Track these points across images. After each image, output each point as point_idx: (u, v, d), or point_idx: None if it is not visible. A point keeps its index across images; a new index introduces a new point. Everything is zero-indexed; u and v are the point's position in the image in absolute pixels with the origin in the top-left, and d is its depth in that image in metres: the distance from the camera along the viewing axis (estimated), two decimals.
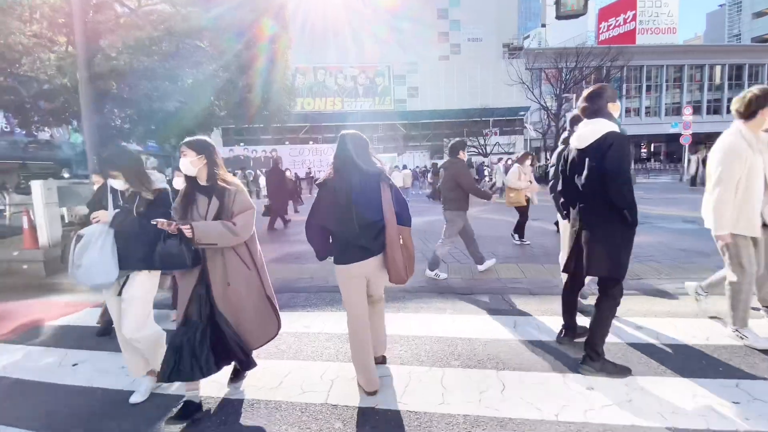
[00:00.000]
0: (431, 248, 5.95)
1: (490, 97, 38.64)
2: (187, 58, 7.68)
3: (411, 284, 4.39)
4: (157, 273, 2.46)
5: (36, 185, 5.77)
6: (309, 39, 44.61)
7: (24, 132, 24.70)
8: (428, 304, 3.98)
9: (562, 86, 31.26)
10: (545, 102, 31.52)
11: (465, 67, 43.72)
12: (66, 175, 17.11)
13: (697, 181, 16.47)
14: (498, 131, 33.84)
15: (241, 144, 36.84)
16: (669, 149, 47.42)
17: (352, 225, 2.21)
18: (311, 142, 36.20)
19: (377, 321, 2.59)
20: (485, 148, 33.23)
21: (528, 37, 59.47)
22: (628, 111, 46.40)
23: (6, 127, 22.54)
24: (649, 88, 46.54)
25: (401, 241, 2.36)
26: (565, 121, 29.32)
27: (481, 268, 4.94)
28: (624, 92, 40.98)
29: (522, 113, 36.90)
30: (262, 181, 22.52)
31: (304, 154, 31.86)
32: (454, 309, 3.80)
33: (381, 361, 2.70)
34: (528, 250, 6.09)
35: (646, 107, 46.93)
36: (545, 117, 34.19)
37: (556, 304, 3.17)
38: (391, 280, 2.37)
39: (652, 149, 50.22)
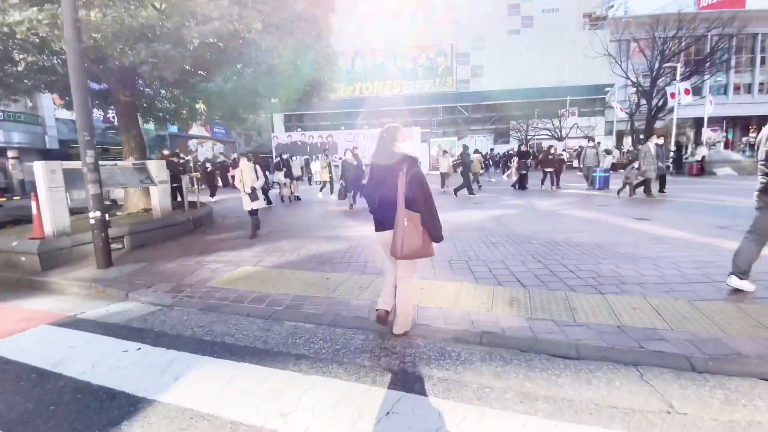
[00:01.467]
0: (493, 255, 4.44)
1: (566, 74, 34.35)
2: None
3: (484, 325, 2.92)
4: None
5: (38, 167, 5.18)
6: (368, 19, 43.31)
7: (101, 118, 26.54)
8: (502, 378, 2.46)
9: (659, 58, 26.43)
10: (635, 77, 26.99)
11: (538, 42, 39.38)
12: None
13: None
14: (576, 111, 29.85)
15: (299, 129, 37.05)
16: None
17: (375, 201, 2.76)
18: (365, 127, 35.23)
19: (398, 296, 2.83)
20: (560, 131, 29.59)
21: (612, 6, 52.54)
22: (737, 87, 39.09)
23: (145, 122, 24.72)
24: (764, 60, 38.68)
25: (405, 222, 2.54)
26: (662, 98, 24.96)
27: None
28: (733, 65, 34.24)
29: (607, 89, 32.30)
30: (315, 166, 22.07)
31: (359, 138, 30.98)
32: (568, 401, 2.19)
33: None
34: None
35: (760, 83, 39.08)
36: (633, 95, 29.53)
37: None
38: (390, 252, 2.66)
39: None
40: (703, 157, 16.83)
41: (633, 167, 10.33)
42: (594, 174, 12.38)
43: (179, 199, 8.95)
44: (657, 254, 4.60)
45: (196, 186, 8.54)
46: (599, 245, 5.12)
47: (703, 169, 16.88)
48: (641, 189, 10.12)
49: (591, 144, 13.10)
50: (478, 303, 3.31)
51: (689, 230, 5.85)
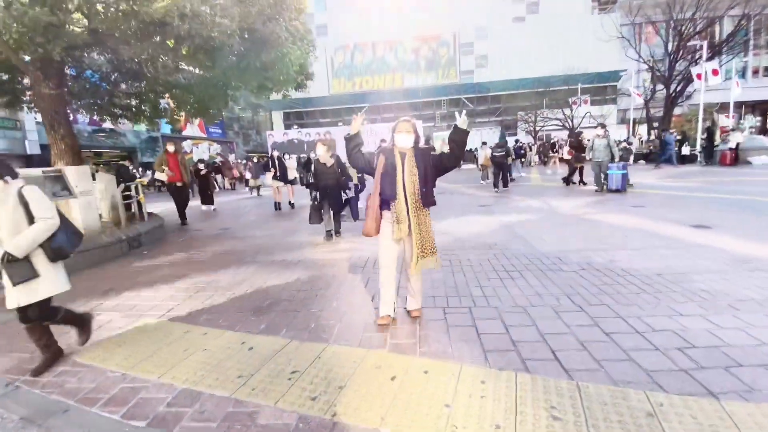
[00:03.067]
0: (509, 295, 2.88)
1: (576, 61, 32.35)
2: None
3: None
4: None
5: None
6: (367, 12, 41.62)
7: (87, 120, 25.37)
8: None
9: (677, 40, 24.42)
10: (652, 61, 25.02)
11: (544, 29, 37.45)
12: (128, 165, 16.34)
13: None
14: (588, 99, 27.92)
15: (295, 126, 35.65)
16: None
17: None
18: (365, 122, 33.62)
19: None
20: (572, 121, 27.70)
21: None
22: (755, 72, 36.88)
23: (100, 120, 23.28)
24: None
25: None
26: (681, 82, 22.99)
27: None
28: (750, 47, 32.08)
29: (622, 73, 30.26)
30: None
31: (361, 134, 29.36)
32: None
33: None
34: None
35: None
36: (647, 81, 27.54)
37: None
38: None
39: None
40: (738, 144, 14.99)
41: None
42: (609, 171, 9.57)
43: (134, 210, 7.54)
44: (764, 294, 3.02)
45: (141, 195, 7.06)
46: (664, 275, 3.54)
47: (737, 157, 15.05)
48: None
49: (601, 133, 9.95)
50: (490, 426, 1.77)
51: None
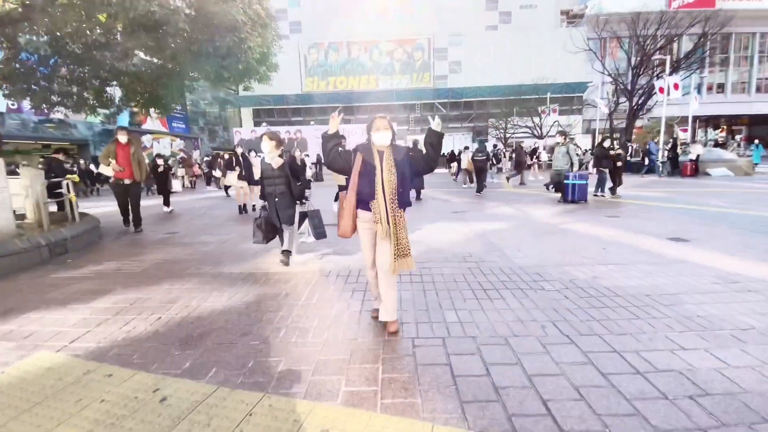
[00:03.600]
0: (488, 320, 2.39)
1: (546, 71, 33.15)
2: None
3: None
4: None
5: None
6: (342, 12, 41.02)
7: (32, 110, 23.30)
8: None
9: (640, 55, 25.48)
10: (616, 74, 25.93)
11: (516, 38, 38.22)
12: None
13: None
14: (557, 109, 28.58)
15: (264, 124, 34.43)
16: (751, 133, 39.53)
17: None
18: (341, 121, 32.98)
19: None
20: (540, 129, 28.25)
21: (586, 8, 52.38)
22: (710, 88, 39.39)
23: (12, 104, 21.12)
24: (738, 60, 39.15)
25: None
26: (643, 95, 23.95)
27: None
28: (706, 65, 34.14)
29: (589, 84, 31.22)
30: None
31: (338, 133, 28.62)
32: None
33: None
34: None
35: (733, 82, 39.52)
36: (612, 93, 28.60)
37: None
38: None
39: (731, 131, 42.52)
40: (698, 156, 15.59)
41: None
42: (566, 180, 9.06)
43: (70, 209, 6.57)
44: (765, 321, 2.74)
45: (72, 193, 6.15)
46: (652, 297, 3.22)
47: (697, 168, 15.64)
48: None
49: (562, 140, 9.58)
50: None
51: (757, 257, 4.08)
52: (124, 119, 31.17)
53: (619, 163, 10.11)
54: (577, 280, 3.65)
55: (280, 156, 4.41)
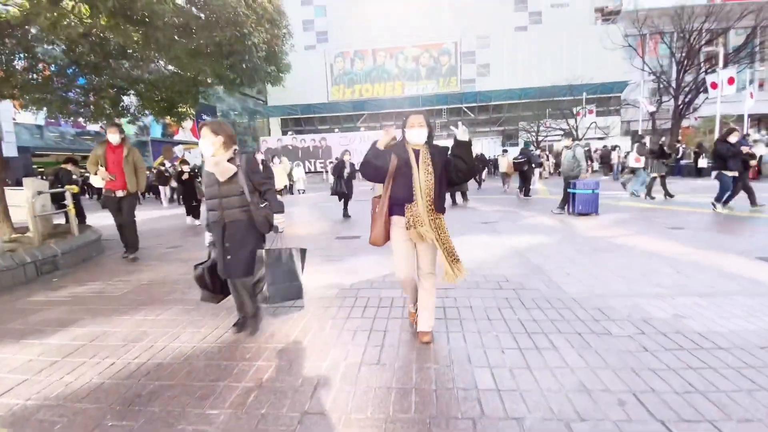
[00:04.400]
0: (537, 391, 1.64)
1: (578, 71, 31.46)
2: None
3: None
4: None
5: None
6: (368, 20, 40.97)
7: (70, 123, 24.07)
8: None
9: (686, 50, 23.57)
10: (660, 71, 24.06)
11: (547, 39, 36.68)
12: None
13: None
14: (594, 109, 26.88)
15: (290, 133, 34.58)
16: None
17: None
18: (362, 129, 32.73)
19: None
20: (576, 131, 26.62)
21: (621, 4, 49.82)
22: (761, 84, 36.12)
23: (50, 117, 22.02)
24: None
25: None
26: (689, 93, 21.98)
27: None
28: (756, 59, 31.26)
29: (629, 83, 29.31)
30: (298, 172, 19.22)
31: (355, 142, 28.35)
32: None
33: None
34: None
35: None
36: (653, 92, 26.57)
37: None
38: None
39: None
40: (761, 157, 13.83)
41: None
42: (570, 189, 7.85)
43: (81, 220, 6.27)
44: None
45: (71, 205, 5.80)
46: None
47: (759, 171, 13.89)
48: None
49: (568, 143, 8.37)
50: None
51: None
52: (156, 130, 32.23)
53: (753, 162, 7.81)
54: (654, 321, 2.74)
55: (232, 160, 2.60)
